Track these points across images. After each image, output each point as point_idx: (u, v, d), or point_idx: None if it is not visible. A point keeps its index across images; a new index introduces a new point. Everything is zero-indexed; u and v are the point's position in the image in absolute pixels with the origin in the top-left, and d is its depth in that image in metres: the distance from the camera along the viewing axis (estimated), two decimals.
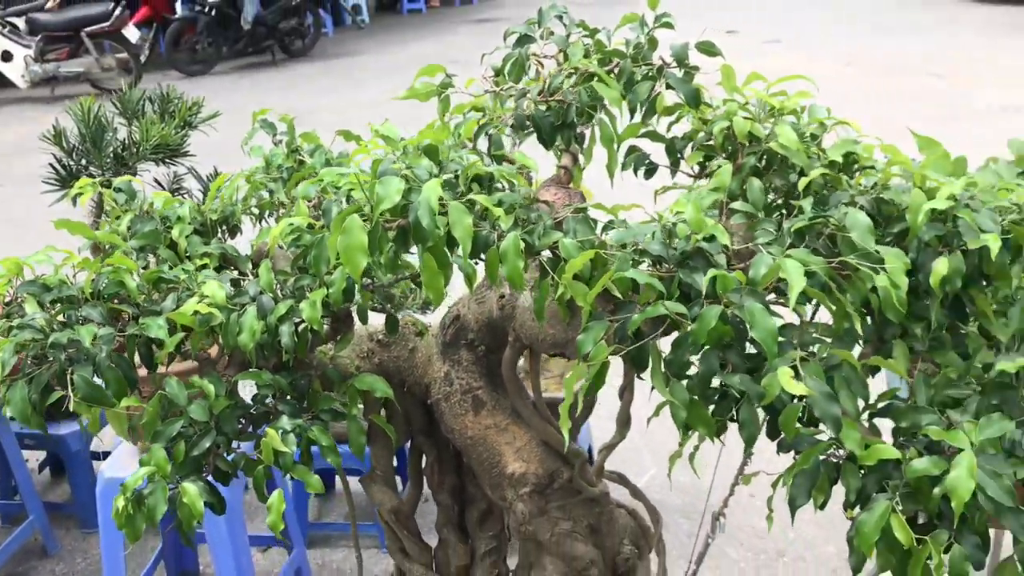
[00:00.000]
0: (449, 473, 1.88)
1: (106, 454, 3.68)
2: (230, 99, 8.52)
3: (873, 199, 1.37)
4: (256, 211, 1.85)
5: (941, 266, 1.27)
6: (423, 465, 1.89)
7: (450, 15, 15.04)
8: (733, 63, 1.49)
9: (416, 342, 1.78)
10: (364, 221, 1.17)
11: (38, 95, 11.33)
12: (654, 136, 1.53)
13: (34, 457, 3.83)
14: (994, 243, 1.26)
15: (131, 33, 10.75)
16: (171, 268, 1.60)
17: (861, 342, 1.41)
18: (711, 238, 1.21)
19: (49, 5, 10.88)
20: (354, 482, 3.72)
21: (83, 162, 2.31)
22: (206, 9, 11.25)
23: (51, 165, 2.38)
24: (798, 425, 1.26)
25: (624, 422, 1.56)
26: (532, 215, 1.30)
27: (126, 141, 2.28)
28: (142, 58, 11.04)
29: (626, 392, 1.53)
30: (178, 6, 11.68)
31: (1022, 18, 12.38)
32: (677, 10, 1.63)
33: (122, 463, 2.66)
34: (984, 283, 1.41)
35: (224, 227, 1.85)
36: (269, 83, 11.06)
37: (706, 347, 1.18)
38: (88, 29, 10.59)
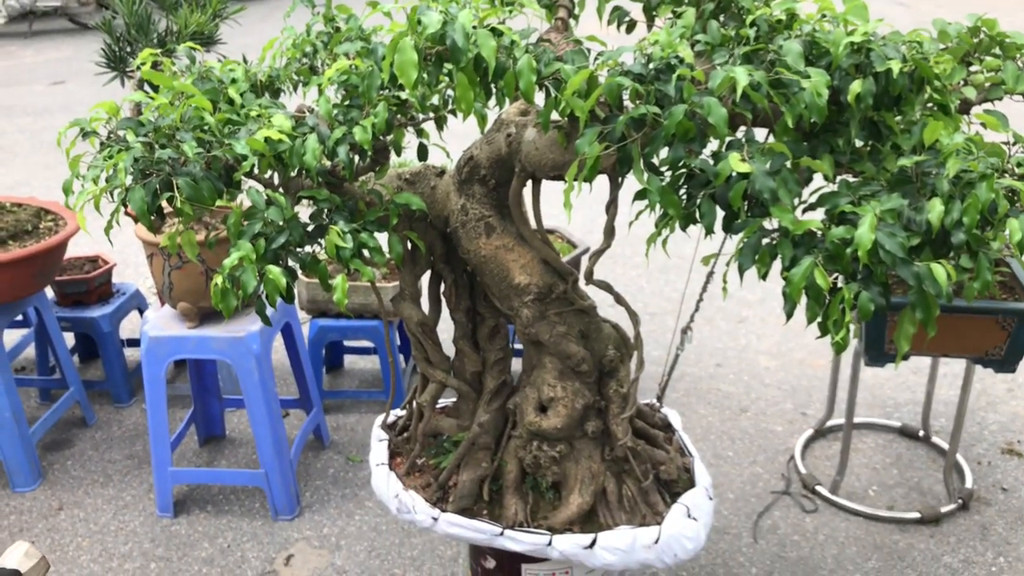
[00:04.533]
0: (464, 296, 2.25)
1: (131, 341, 4.05)
2: None
3: (806, 39, 1.73)
4: (295, 77, 2.18)
5: (856, 85, 1.64)
6: (442, 289, 2.26)
7: None
8: None
9: (437, 181, 2.13)
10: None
11: (15, 31, 11.41)
12: None
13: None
14: (895, 66, 1.63)
15: None
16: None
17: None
18: (680, 58, 1.57)
19: None
20: (359, 359, 4.12)
21: (128, 49, 2.61)
22: None
23: (102, 51, 2.69)
24: (747, 215, 1.65)
25: (610, 232, 1.93)
26: (539, 50, 1.65)
27: (167, 29, 2.59)
28: None
29: (611, 207, 1.90)
30: None
31: None
32: None
33: (162, 325, 3.01)
34: (895, 109, 1.79)
35: (268, 91, 2.19)
36: (246, 16, 11.17)
37: (675, 140, 1.55)
38: None
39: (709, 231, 1.69)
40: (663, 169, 1.62)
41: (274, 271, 1.67)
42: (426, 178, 2.13)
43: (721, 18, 1.80)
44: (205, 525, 3.11)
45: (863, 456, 3.37)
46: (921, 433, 3.43)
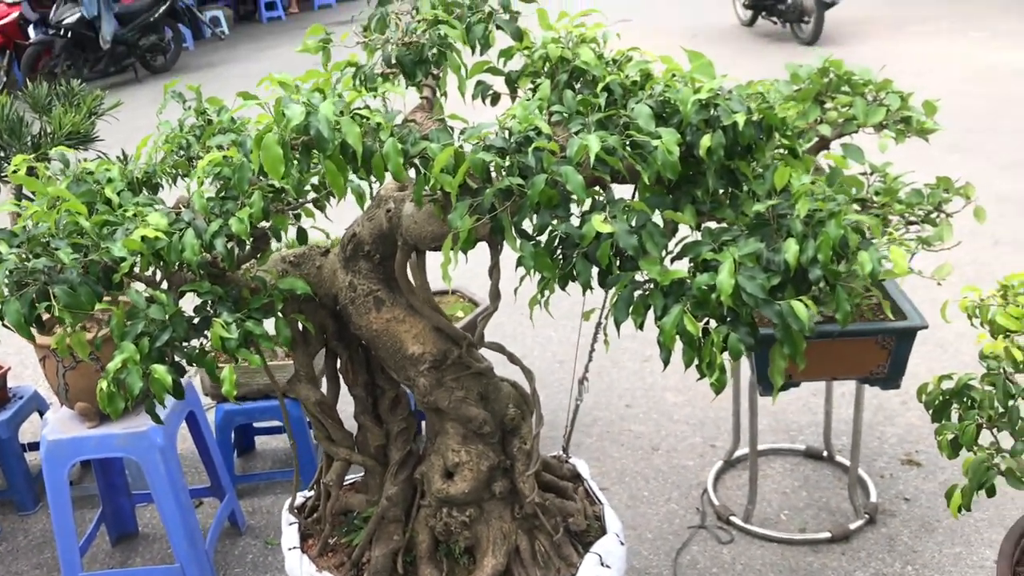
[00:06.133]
0: (361, 371, 2.27)
1: (32, 445, 3.92)
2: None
3: (658, 100, 1.84)
4: (172, 170, 2.20)
5: (706, 140, 1.75)
6: (338, 366, 2.28)
7: (309, 20, 15.20)
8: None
9: (322, 260, 2.16)
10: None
11: None
12: (495, 71, 1.97)
13: None
14: (740, 119, 1.74)
15: None
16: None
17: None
18: (537, 130, 1.65)
19: None
20: (270, 439, 4.05)
21: (2, 154, 2.59)
22: (61, 32, 11.14)
23: None
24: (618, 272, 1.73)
25: (495, 295, 1.99)
26: (404, 131, 1.71)
27: (41, 131, 2.57)
28: None
29: (493, 272, 1.96)
30: (31, 31, 11.52)
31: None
32: None
33: (61, 427, 2.94)
34: (749, 157, 1.90)
35: (146, 187, 2.20)
36: (134, 100, 11.05)
37: (541, 207, 1.62)
38: None
39: (586, 288, 1.76)
40: (536, 234, 1.69)
41: (159, 370, 1.67)
42: (311, 259, 2.16)
43: (576, 86, 1.89)
44: None
45: (772, 482, 3.47)
46: (825, 453, 3.55)
